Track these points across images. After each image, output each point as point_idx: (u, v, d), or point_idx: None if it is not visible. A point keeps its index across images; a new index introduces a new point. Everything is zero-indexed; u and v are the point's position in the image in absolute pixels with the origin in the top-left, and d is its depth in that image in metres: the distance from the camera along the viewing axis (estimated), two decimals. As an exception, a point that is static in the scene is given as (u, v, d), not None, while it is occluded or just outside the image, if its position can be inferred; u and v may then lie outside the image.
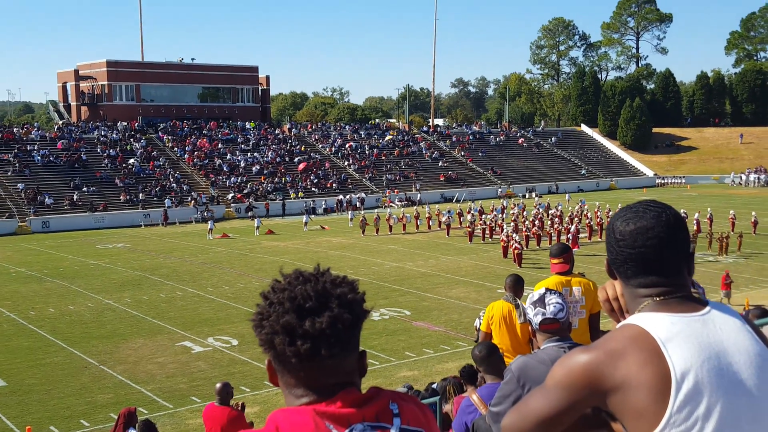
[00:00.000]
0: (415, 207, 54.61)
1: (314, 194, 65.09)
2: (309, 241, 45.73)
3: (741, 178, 78.98)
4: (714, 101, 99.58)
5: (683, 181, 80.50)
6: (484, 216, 46.55)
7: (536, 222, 43.45)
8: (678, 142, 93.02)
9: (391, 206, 62.93)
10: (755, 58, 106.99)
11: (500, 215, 47.62)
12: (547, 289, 4.39)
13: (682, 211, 44.99)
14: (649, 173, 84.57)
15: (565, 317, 4.22)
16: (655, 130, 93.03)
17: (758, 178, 77.89)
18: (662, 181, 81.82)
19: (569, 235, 39.77)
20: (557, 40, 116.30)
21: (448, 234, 45.72)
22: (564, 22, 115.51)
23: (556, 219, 43.54)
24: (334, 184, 67.66)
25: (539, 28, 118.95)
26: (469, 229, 43.98)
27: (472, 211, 47.48)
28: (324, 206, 62.20)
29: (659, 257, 1.98)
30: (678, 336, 1.87)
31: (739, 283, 29.49)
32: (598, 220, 44.57)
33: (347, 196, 63.51)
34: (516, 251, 35.98)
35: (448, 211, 48.73)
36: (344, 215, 56.75)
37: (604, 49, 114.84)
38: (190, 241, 47.08)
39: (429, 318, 26.66)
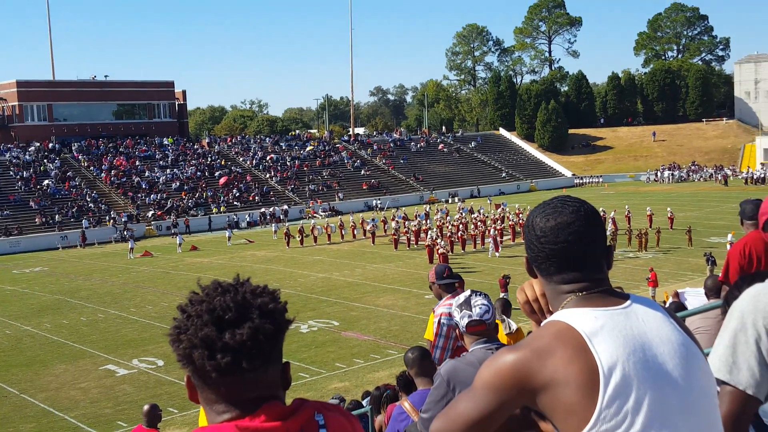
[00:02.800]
0: (339, 217, 54.44)
1: (237, 208, 64.23)
2: (233, 255, 45.08)
3: (656, 175, 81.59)
4: (626, 101, 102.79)
5: (601, 180, 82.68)
6: (408, 222, 46.80)
7: (460, 226, 43.90)
8: (594, 142, 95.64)
9: (315, 217, 62.68)
10: (663, 57, 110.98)
11: (424, 221, 47.96)
12: (473, 291, 4.36)
13: (600, 209, 46.19)
14: (568, 174, 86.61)
15: (491, 318, 4.20)
16: (571, 131, 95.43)
17: (672, 174, 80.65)
18: (580, 181, 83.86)
19: (490, 238, 40.24)
20: (472, 46, 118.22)
21: (373, 242, 45.76)
22: (478, 29, 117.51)
23: (480, 222, 44.10)
24: (256, 197, 66.94)
25: (454, 35, 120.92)
26: (395, 237, 44.11)
27: (396, 218, 47.69)
28: (247, 220, 61.36)
29: (581, 252, 1.96)
30: (602, 330, 1.85)
31: (660, 277, 30.33)
32: (520, 221, 45.24)
33: (270, 209, 62.94)
34: (441, 256, 36.25)
35: (372, 219, 48.79)
36: (268, 228, 56.17)
37: (517, 54, 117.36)
38: (110, 261, 45.80)
39: (358, 328, 26.56)
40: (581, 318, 1.88)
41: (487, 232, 42.24)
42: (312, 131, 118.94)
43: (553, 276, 2.00)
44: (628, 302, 1.94)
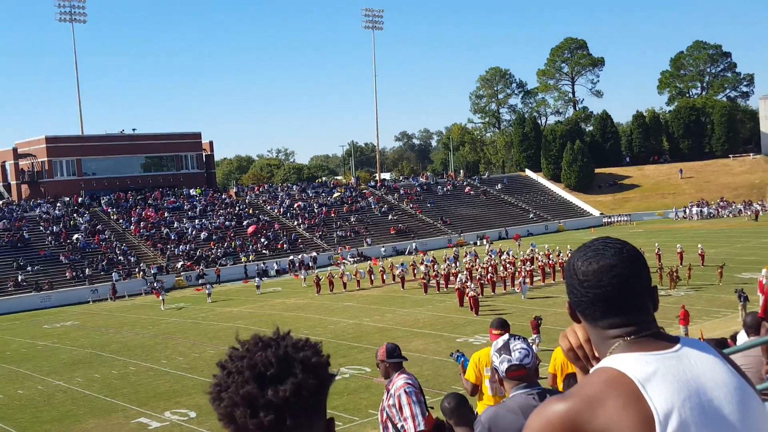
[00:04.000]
0: (368, 262, 54.44)
1: (265, 256, 64.48)
2: (263, 304, 45.09)
3: (684, 212, 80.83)
4: (651, 139, 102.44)
5: (629, 218, 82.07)
6: (437, 266, 46.66)
7: (489, 268, 43.63)
8: (620, 181, 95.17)
9: (344, 263, 62.66)
10: (687, 95, 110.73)
11: (453, 264, 47.76)
12: (512, 335, 4.30)
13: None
14: (596, 213, 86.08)
15: (531, 362, 4.13)
16: (597, 170, 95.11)
17: (700, 211, 79.84)
18: (608, 220, 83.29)
19: (521, 278, 39.94)
20: (495, 89, 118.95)
21: (403, 287, 45.60)
22: (501, 72, 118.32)
23: (509, 264, 43.84)
24: (285, 245, 67.22)
25: (477, 78, 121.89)
26: (423, 281, 43.93)
27: (425, 262, 47.57)
28: (275, 267, 61.51)
29: (626, 295, 1.91)
30: (655, 375, 1.79)
31: (693, 314, 29.85)
32: (550, 262, 44.92)
33: (299, 256, 63.11)
34: (472, 299, 35.96)
35: (402, 264, 48.69)
36: (298, 275, 56.23)
37: (541, 95, 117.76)
38: (141, 313, 46.00)
39: (390, 373, 26.29)
40: (632, 364, 1.82)
41: (518, 273, 42.00)
42: (338, 178, 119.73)
43: (599, 321, 1.94)
44: (679, 345, 1.88)
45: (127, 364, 30.82)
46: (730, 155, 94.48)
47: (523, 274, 40.95)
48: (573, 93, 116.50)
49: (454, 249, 57.55)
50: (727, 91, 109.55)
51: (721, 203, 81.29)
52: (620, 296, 1.91)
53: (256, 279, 52.18)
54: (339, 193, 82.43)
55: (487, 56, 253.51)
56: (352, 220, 75.26)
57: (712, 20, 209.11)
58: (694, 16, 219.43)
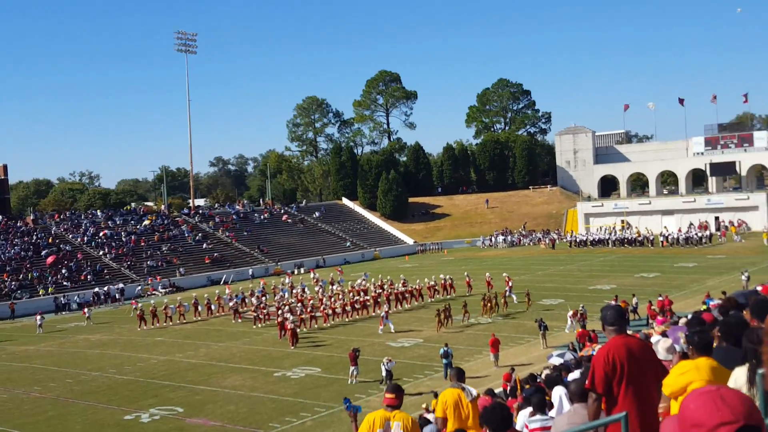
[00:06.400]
0: (194, 294, 51.68)
1: (66, 288, 60.16)
2: (64, 341, 41.85)
3: (490, 240, 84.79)
4: (460, 170, 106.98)
5: (440, 246, 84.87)
6: (265, 297, 45.77)
7: (324, 299, 43.10)
8: (432, 210, 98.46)
9: (155, 294, 59.90)
10: (492, 129, 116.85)
11: (287, 295, 47.07)
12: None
13: (437, 276, 47.18)
14: (410, 241, 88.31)
15: None
16: (411, 199, 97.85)
17: (504, 239, 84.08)
18: (422, 248, 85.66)
19: (384, 312, 38.03)
20: (313, 117, 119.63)
21: (238, 319, 43.70)
22: (318, 101, 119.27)
23: (340, 295, 43.76)
24: (89, 276, 63.12)
25: (294, 107, 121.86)
26: (256, 312, 42.18)
27: (255, 293, 46.77)
28: (77, 300, 57.24)
29: None
30: None
31: (503, 342, 30.92)
32: (385, 292, 44.05)
33: (105, 288, 59.49)
34: (290, 331, 35.32)
35: (237, 296, 46.96)
36: (103, 308, 52.80)
37: (357, 126, 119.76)
38: None
39: (204, 413, 25.13)
40: None
41: (348, 303, 41.87)
42: (149, 204, 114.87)
43: None
44: None
45: None
46: (530, 186, 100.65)
47: (356, 306, 41.23)
48: (388, 124, 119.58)
49: (286, 280, 55.21)
50: (528, 126, 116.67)
51: (523, 232, 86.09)
52: None
53: (38, 318, 47.14)
54: (149, 221, 78.89)
55: (304, 85, 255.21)
56: (163, 249, 72.17)
57: (515, 60, 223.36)
58: (499, 55, 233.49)
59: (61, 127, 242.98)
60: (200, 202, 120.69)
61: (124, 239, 72.52)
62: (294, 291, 49.04)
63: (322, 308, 41.08)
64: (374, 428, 7.30)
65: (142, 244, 72.18)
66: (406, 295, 44.43)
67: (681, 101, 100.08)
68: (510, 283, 44.07)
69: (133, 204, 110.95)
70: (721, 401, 1.96)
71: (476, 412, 8.13)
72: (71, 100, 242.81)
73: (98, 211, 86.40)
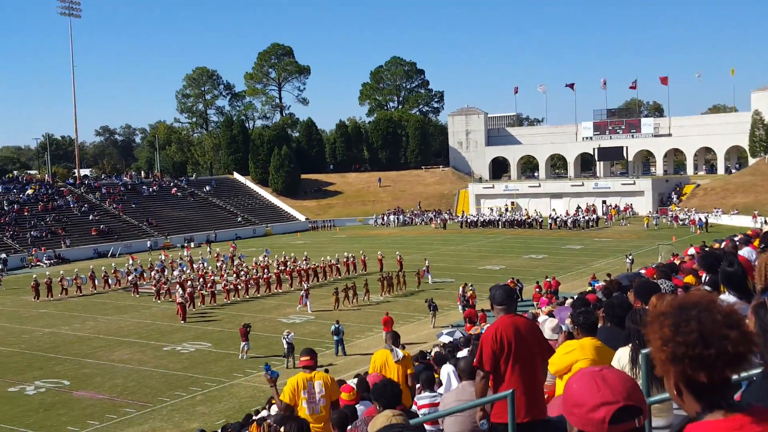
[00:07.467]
0: (91, 266, 50.23)
1: (-57, 259, 57.68)
2: (-59, 313, 40.44)
3: (382, 218, 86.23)
4: (353, 148, 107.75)
5: (332, 223, 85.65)
6: (165, 271, 45.75)
7: (224, 275, 43.48)
8: (325, 188, 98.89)
9: (39, 265, 58.32)
10: (385, 107, 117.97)
11: (187, 269, 47.01)
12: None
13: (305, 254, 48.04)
14: (302, 218, 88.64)
15: None
16: (303, 176, 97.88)
17: (397, 218, 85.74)
18: (314, 225, 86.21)
19: (304, 291, 37.68)
20: (203, 89, 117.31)
21: (136, 293, 42.94)
22: (208, 72, 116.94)
23: (244, 270, 44.26)
24: (-33, 246, 60.68)
25: (184, 77, 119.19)
26: (158, 287, 41.62)
27: (155, 267, 46.60)
28: (-44, 271, 55.07)
29: None
30: None
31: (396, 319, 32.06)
32: (287, 269, 44.58)
33: (-16, 259, 57.42)
34: (179, 305, 35.49)
35: (135, 270, 46.28)
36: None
37: (249, 99, 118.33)
38: None
39: (91, 386, 25.25)
40: None
41: (262, 280, 42.21)
42: (32, 172, 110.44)
43: None
44: None
45: None
46: (423, 167, 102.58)
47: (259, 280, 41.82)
48: (280, 99, 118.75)
49: (185, 254, 54.36)
50: (421, 106, 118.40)
51: (415, 212, 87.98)
52: None
53: None
54: (33, 190, 76.17)
55: (194, 55, 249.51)
56: (48, 219, 69.98)
57: (409, 38, 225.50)
58: (393, 33, 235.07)
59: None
60: (86, 172, 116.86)
61: (6, 208, 69.85)
62: (195, 266, 48.88)
63: (224, 284, 41.18)
64: (299, 389, 7.84)
65: (26, 213, 69.78)
66: (309, 273, 44.98)
67: (571, 86, 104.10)
68: (427, 262, 44.89)
69: (15, 172, 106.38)
70: (603, 382, 2.03)
71: (403, 372, 9.09)
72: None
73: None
